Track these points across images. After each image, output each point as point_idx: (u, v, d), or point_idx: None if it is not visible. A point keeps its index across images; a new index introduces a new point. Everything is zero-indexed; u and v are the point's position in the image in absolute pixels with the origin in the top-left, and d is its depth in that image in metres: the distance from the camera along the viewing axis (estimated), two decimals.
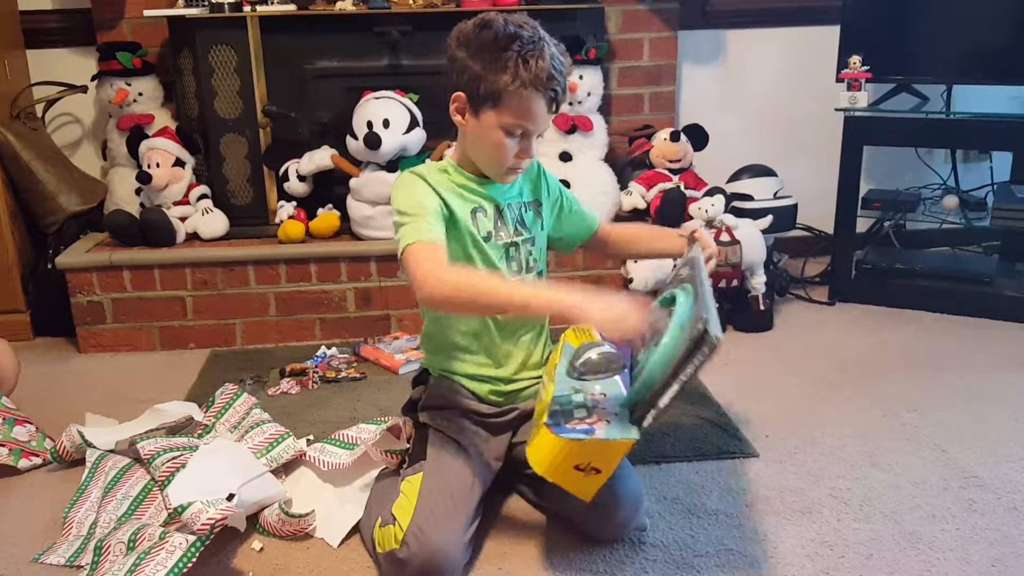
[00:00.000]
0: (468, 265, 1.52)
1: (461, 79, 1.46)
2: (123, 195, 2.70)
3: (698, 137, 2.77)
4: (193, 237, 2.58)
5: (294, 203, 2.60)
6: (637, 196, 2.70)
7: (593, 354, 1.35)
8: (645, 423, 1.33)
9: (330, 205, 2.62)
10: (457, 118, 1.50)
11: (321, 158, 2.58)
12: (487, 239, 1.54)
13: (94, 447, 1.81)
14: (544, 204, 1.65)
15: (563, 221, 1.70)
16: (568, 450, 1.30)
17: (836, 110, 2.63)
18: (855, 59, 2.58)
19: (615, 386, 1.43)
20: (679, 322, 1.34)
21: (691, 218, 2.53)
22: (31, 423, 1.93)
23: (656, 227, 1.82)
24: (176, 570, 1.33)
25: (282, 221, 2.55)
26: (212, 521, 1.40)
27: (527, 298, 1.37)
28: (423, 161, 2.50)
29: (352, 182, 2.53)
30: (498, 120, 1.44)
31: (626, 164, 2.85)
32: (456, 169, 1.55)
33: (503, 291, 1.39)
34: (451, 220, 1.50)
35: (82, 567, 1.48)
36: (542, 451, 1.32)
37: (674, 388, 1.29)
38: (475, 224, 1.53)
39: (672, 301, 1.43)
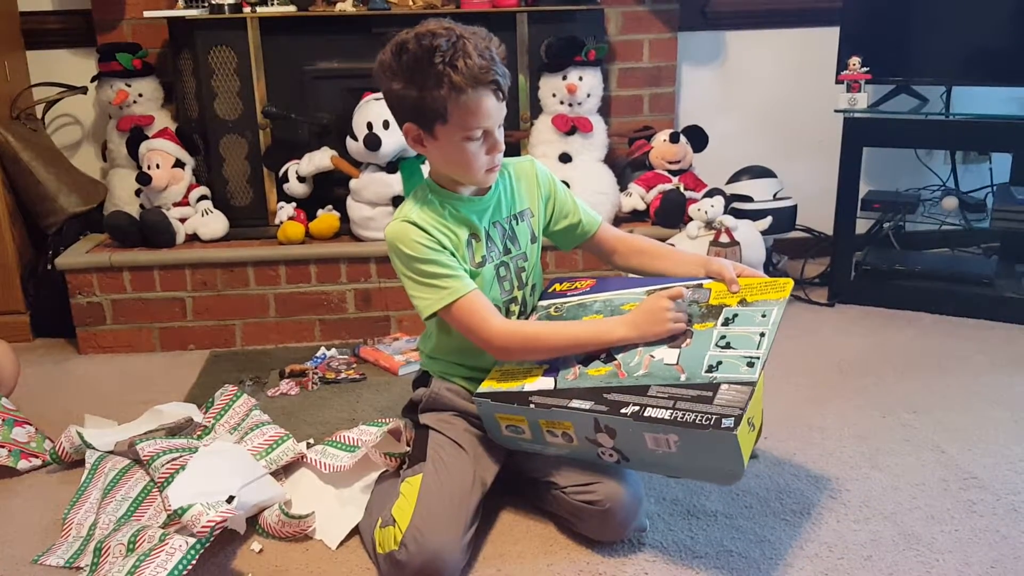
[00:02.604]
0: None
1: (404, 110, 1.46)
2: (123, 196, 2.70)
3: (698, 138, 2.78)
4: (193, 238, 2.59)
5: (294, 204, 2.60)
6: (637, 197, 2.71)
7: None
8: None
9: (330, 206, 2.63)
10: (418, 148, 1.50)
11: (321, 159, 2.58)
12: (481, 264, 1.54)
13: (93, 448, 1.81)
14: (536, 207, 1.64)
15: (555, 220, 1.68)
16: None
17: (835, 111, 2.63)
18: (854, 60, 2.59)
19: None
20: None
21: (691, 219, 2.53)
22: (31, 424, 1.93)
23: (677, 251, 1.72)
24: (176, 572, 1.32)
25: (282, 222, 2.55)
26: (212, 524, 1.40)
27: (589, 337, 1.49)
28: (422, 162, 2.51)
29: (352, 183, 2.53)
30: (454, 132, 1.43)
31: (626, 165, 2.86)
32: (439, 195, 1.54)
33: (562, 333, 1.52)
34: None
35: (81, 568, 1.48)
36: None
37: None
38: (470, 253, 1.54)
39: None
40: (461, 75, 1.38)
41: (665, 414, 1.32)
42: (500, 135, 1.48)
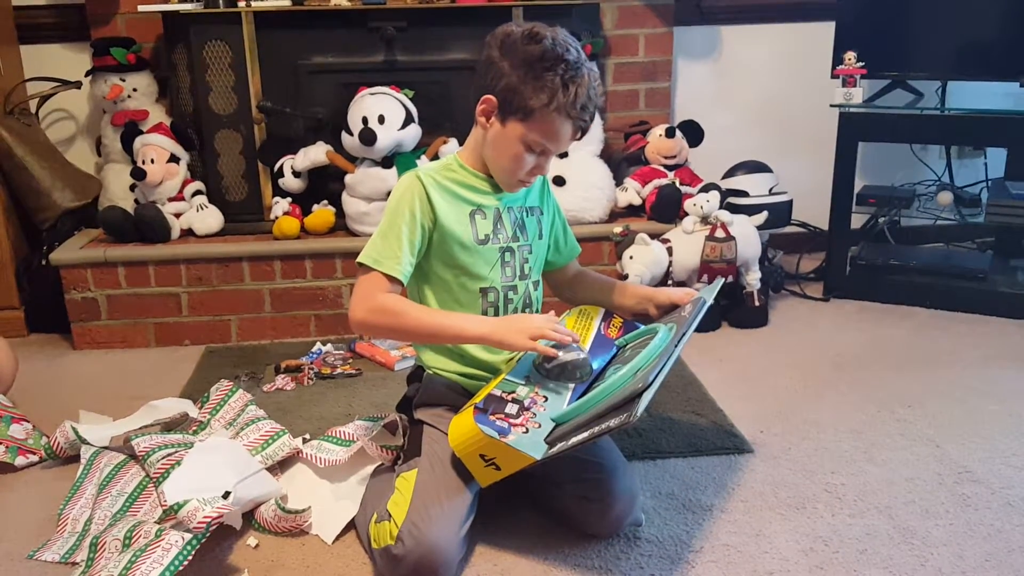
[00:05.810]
0: (458, 271, 1.54)
1: (496, 84, 1.46)
2: (118, 191, 2.70)
3: (693, 133, 2.78)
4: (188, 233, 2.58)
5: (289, 199, 2.60)
6: (632, 192, 2.70)
7: (568, 357, 1.44)
8: (552, 451, 1.34)
9: (325, 201, 2.62)
10: (481, 120, 1.50)
11: (316, 154, 2.57)
12: (484, 242, 1.55)
13: (89, 444, 1.81)
14: (545, 214, 1.66)
15: (550, 231, 1.70)
16: (478, 439, 1.35)
17: (831, 106, 2.63)
18: (850, 55, 2.59)
19: (560, 397, 1.43)
20: (642, 362, 1.38)
21: (686, 214, 2.53)
22: (28, 421, 1.93)
23: (618, 282, 1.79)
24: (172, 568, 1.33)
25: (277, 217, 2.55)
26: (208, 519, 1.40)
27: (443, 328, 1.49)
28: (418, 157, 2.51)
29: (347, 178, 2.53)
30: (523, 134, 1.46)
31: (621, 160, 2.86)
32: (463, 167, 1.56)
33: (425, 320, 1.50)
34: (436, 229, 1.51)
35: (77, 564, 1.48)
36: (460, 428, 1.38)
37: (584, 435, 1.31)
38: (473, 227, 1.54)
39: (650, 333, 1.51)
40: (567, 98, 1.41)
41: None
42: (550, 163, 1.53)
